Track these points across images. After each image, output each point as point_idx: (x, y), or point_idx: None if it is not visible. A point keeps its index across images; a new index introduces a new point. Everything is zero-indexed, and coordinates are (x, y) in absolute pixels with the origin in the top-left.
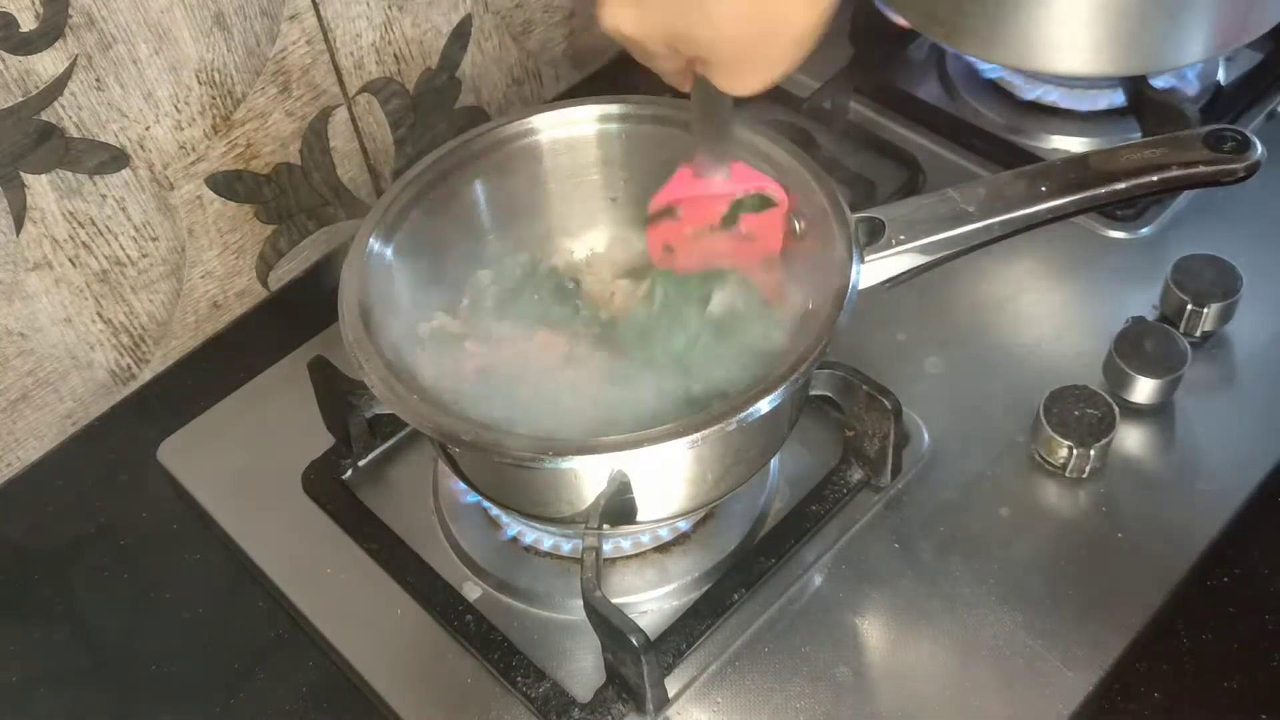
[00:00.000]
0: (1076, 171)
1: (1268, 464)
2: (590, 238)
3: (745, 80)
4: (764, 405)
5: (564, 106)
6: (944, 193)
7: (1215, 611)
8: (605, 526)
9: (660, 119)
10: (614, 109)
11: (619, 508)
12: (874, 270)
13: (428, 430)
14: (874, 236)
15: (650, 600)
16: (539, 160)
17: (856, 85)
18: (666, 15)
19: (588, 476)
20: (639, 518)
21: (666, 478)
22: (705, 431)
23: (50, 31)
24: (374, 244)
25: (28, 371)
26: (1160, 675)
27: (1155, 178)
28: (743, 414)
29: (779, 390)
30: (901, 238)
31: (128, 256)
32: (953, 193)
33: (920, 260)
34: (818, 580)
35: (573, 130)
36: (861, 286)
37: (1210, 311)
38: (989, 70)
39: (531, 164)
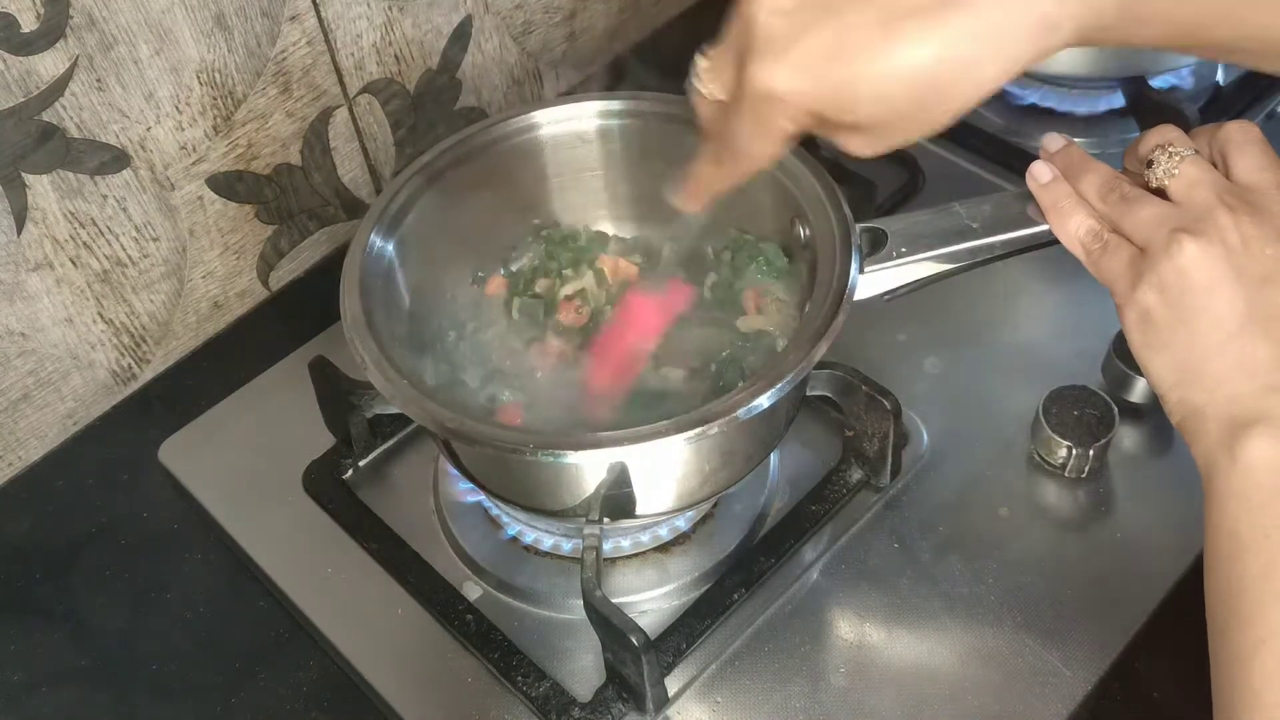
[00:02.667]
0: None
1: None
2: (590, 234)
3: (876, 147)
4: (763, 401)
5: (565, 103)
6: (949, 207)
7: None
8: (605, 520)
9: (661, 115)
10: (615, 105)
11: (618, 499)
12: (873, 281)
13: (422, 419)
14: (876, 247)
15: (650, 600)
16: (540, 156)
17: None
18: (835, 83)
19: (586, 469)
20: (638, 511)
21: (664, 472)
22: (701, 429)
23: (51, 32)
24: (375, 238)
25: (29, 371)
26: (1160, 675)
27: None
28: (737, 413)
29: (771, 391)
30: (903, 250)
31: (129, 257)
32: (958, 207)
33: (920, 274)
34: (818, 580)
35: (574, 126)
36: (861, 298)
37: None
38: None
39: (532, 160)
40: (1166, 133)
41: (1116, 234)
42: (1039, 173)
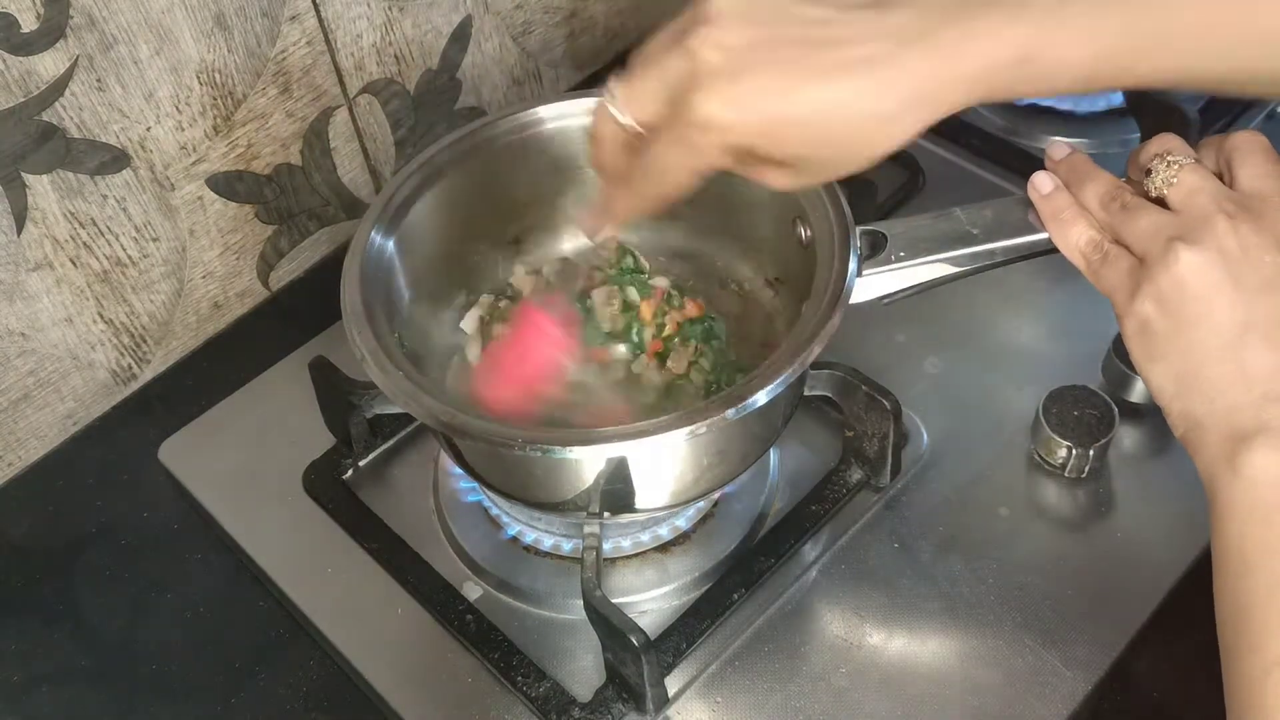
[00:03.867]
0: None
1: None
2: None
3: (795, 183)
4: (756, 400)
5: (565, 99)
6: (950, 211)
7: (1214, 611)
8: (605, 514)
9: None
10: None
11: (616, 494)
12: (872, 284)
13: (418, 413)
14: (875, 250)
15: (650, 600)
16: (539, 153)
17: None
18: (771, 119)
19: (581, 464)
20: (637, 505)
21: (661, 468)
22: (693, 427)
23: (51, 32)
24: (376, 233)
25: (29, 371)
26: (1160, 675)
27: None
28: (727, 412)
29: (764, 391)
30: (902, 254)
31: (129, 257)
32: (959, 212)
33: (919, 279)
34: (818, 580)
35: (574, 122)
36: (859, 300)
37: None
38: None
39: (533, 156)
40: (1166, 141)
41: (1117, 244)
42: (1040, 183)
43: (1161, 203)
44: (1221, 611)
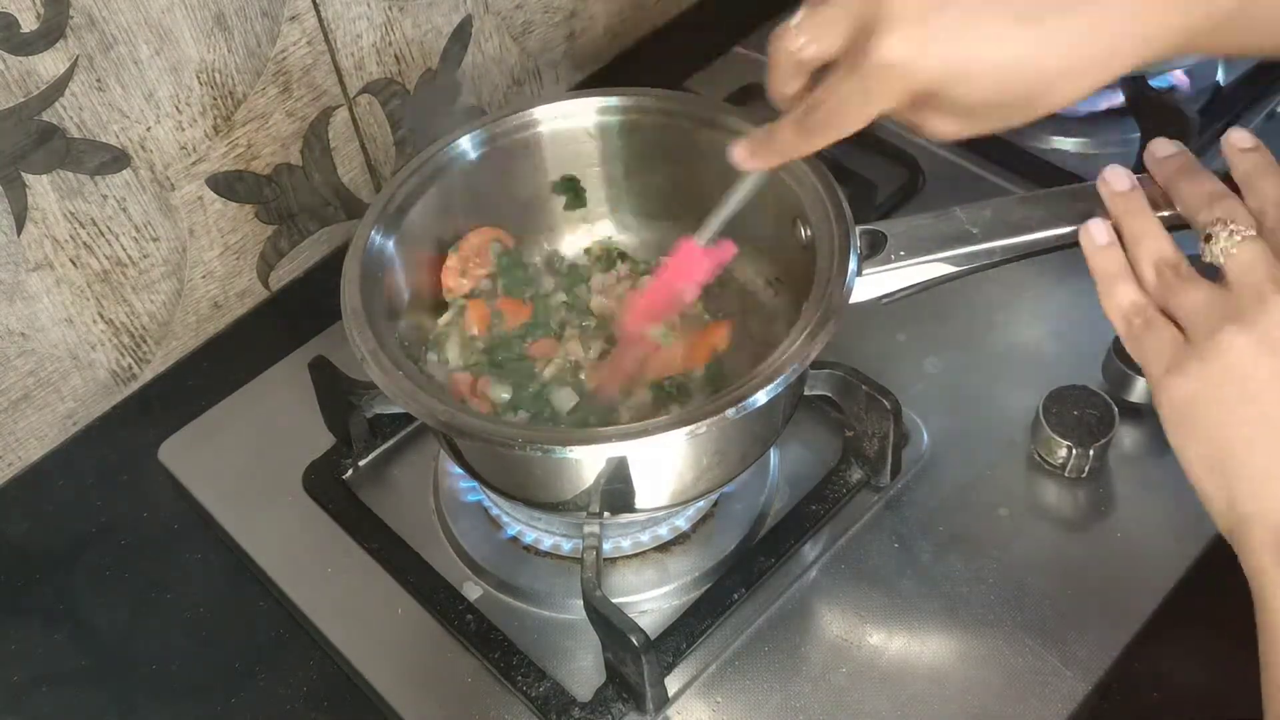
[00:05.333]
0: (1084, 202)
1: None
2: (590, 230)
3: (964, 130)
4: (756, 400)
5: (564, 99)
6: (949, 211)
7: (1214, 612)
8: (605, 514)
9: (661, 112)
10: (614, 101)
11: (614, 494)
12: (871, 284)
13: (417, 412)
14: (875, 250)
15: (650, 600)
16: (540, 153)
17: None
18: (960, 63)
19: (580, 464)
20: (637, 504)
21: (660, 467)
22: (692, 427)
23: (51, 32)
24: (376, 232)
25: (29, 371)
26: (1160, 675)
27: (1166, 213)
28: (727, 413)
29: (764, 390)
30: (902, 254)
31: (129, 257)
32: (959, 212)
33: (918, 278)
34: (818, 580)
35: (573, 123)
36: (859, 300)
37: None
38: None
39: (532, 156)
40: (1231, 207)
41: (1160, 312)
42: (1096, 234)
43: (1212, 269)
44: (1272, 712)
